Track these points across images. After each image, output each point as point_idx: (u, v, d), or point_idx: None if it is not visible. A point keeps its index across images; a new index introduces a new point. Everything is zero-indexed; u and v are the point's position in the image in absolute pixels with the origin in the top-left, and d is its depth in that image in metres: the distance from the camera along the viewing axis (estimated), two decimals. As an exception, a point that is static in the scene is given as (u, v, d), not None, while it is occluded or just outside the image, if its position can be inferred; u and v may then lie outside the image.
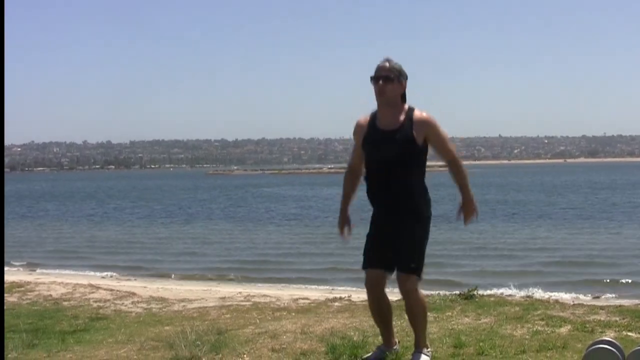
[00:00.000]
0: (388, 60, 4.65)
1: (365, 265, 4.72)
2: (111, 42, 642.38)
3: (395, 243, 4.60)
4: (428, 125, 4.56)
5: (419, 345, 4.77)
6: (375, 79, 4.63)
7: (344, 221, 4.86)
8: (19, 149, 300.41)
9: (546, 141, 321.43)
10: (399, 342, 5.07)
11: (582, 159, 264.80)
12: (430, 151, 4.63)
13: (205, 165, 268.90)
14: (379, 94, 4.61)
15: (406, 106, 4.66)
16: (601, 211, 30.63)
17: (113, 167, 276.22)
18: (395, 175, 4.55)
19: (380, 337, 5.01)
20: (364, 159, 4.73)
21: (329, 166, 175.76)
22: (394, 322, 5.86)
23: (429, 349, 4.82)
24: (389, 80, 4.58)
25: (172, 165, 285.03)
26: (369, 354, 4.89)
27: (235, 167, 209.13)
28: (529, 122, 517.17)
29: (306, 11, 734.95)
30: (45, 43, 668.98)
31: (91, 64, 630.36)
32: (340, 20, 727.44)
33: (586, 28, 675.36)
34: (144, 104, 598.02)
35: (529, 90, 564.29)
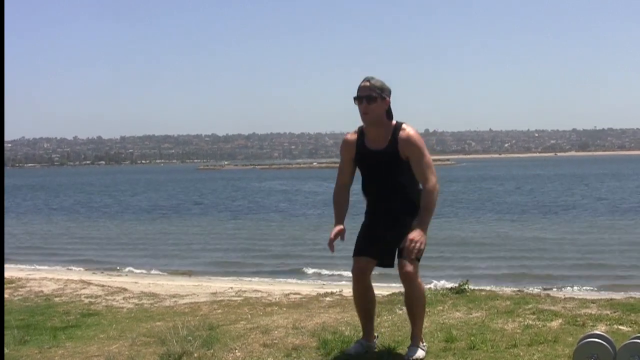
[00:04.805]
0: (369, 79, 4.64)
1: (356, 253, 4.73)
2: (101, 37, 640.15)
3: (392, 236, 4.61)
4: (412, 146, 4.58)
5: (416, 339, 4.76)
6: (358, 100, 4.64)
7: (338, 234, 4.72)
8: (9, 145, 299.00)
9: (537, 135, 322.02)
10: (378, 336, 5.07)
11: (572, 153, 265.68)
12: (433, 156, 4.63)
13: (195, 161, 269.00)
14: (364, 114, 4.63)
15: (394, 122, 4.68)
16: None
17: (104, 162, 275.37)
18: (389, 186, 4.64)
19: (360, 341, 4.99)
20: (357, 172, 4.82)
21: (320, 161, 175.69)
22: (385, 317, 5.86)
23: (424, 344, 4.81)
24: (372, 100, 4.58)
25: (162, 161, 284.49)
26: (350, 347, 4.90)
27: (225, 162, 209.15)
28: (519, 116, 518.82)
29: (296, 6, 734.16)
30: (34, 38, 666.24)
31: (81, 59, 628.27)
32: (331, 15, 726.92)
33: (576, 22, 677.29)
34: (134, 99, 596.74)
35: (519, 84, 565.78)
